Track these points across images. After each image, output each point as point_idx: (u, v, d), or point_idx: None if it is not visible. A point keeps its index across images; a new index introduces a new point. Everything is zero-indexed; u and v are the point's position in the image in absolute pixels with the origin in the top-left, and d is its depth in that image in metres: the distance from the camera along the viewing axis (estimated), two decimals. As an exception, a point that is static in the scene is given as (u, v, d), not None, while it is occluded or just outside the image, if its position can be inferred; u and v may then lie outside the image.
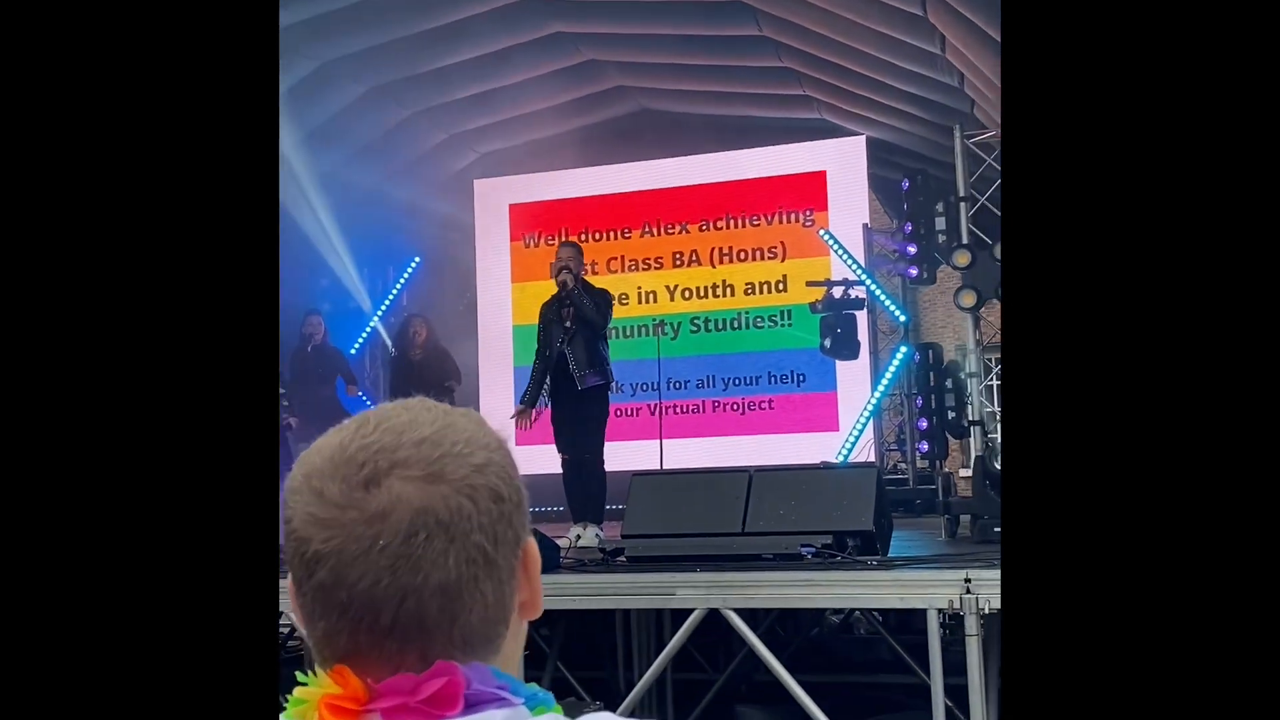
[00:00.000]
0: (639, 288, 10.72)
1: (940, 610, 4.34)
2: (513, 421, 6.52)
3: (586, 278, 6.94)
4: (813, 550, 4.84)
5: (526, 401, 6.72)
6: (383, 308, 11.07)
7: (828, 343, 9.36)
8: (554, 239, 10.88)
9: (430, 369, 9.16)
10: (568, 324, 6.67)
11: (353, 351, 10.77)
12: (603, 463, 6.65)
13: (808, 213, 10.38)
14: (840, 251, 9.93)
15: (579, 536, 6.32)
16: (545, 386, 6.66)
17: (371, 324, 11.02)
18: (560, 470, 6.70)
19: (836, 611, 7.05)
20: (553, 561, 5.05)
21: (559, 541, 5.50)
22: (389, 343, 10.56)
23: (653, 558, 5.07)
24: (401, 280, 11.21)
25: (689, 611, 4.65)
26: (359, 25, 8.32)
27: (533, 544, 0.94)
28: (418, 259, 11.22)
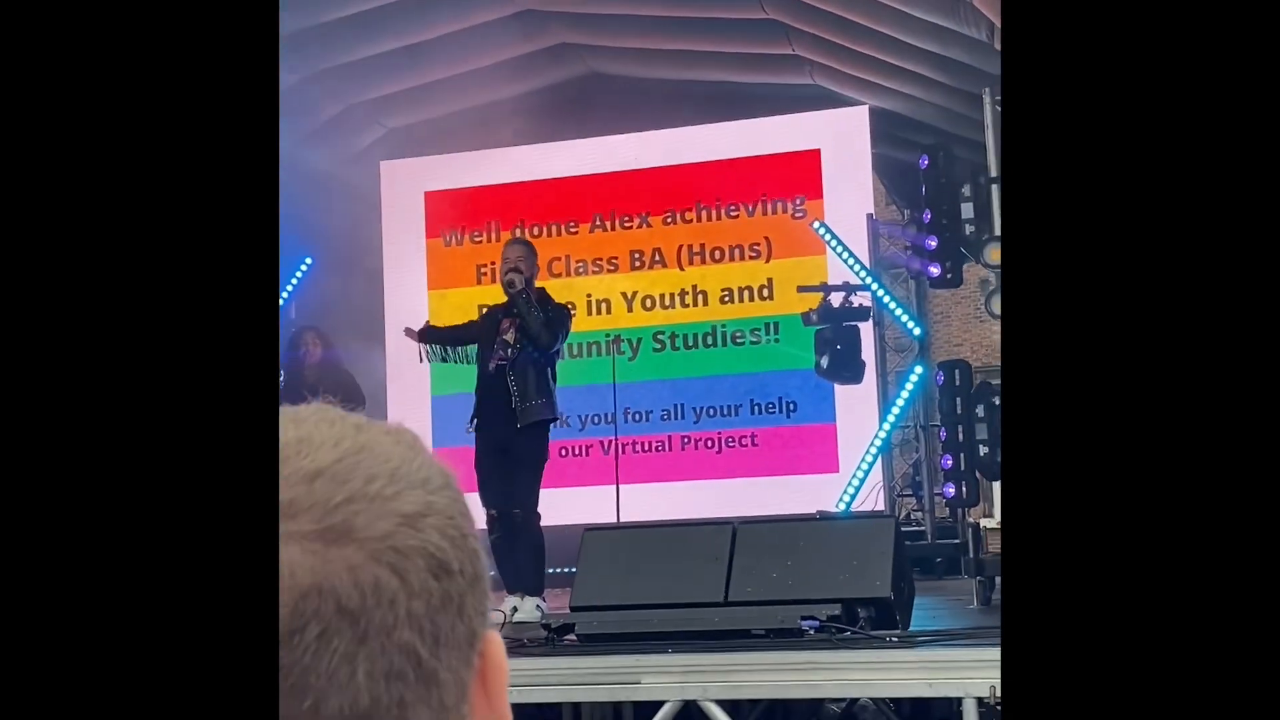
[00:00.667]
0: (589, 295, 10.72)
1: (980, 699, 4.35)
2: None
3: (543, 285, 7.01)
4: (816, 624, 4.87)
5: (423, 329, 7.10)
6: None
7: (824, 362, 9.34)
8: (480, 235, 10.90)
9: (325, 392, 9.11)
10: (507, 337, 6.58)
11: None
12: (538, 517, 6.65)
13: (798, 201, 10.42)
14: (839, 249, 9.95)
15: (515, 610, 6.24)
16: (451, 358, 7.08)
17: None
18: (486, 528, 6.62)
19: (836, 699, 7.00)
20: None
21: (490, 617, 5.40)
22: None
23: (611, 635, 5.09)
24: (289, 286, 11.07)
25: (658, 704, 4.64)
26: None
27: (496, 641, 0.77)
28: (309, 260, 11.12)
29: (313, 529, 0.69)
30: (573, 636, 5.18)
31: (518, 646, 5.16)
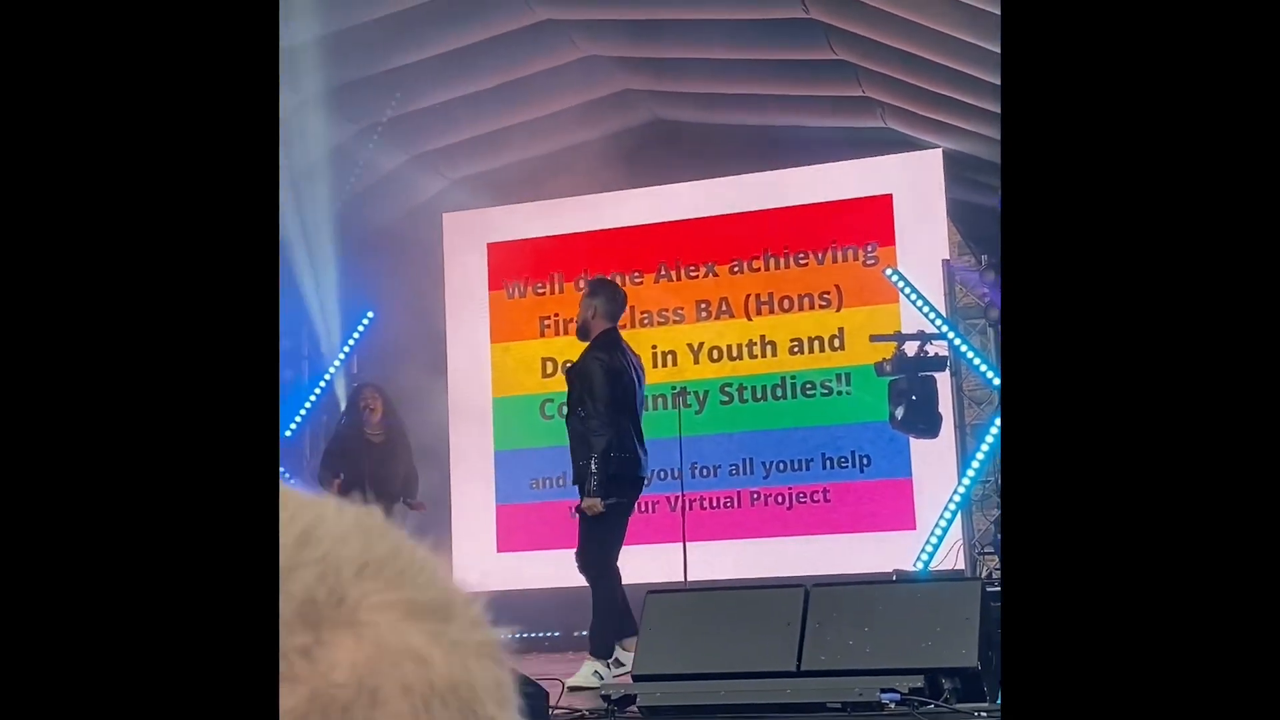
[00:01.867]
0: (654, 347, 10.59)
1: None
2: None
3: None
4: (897, 697, 4.75)
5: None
6: (327, 375, 10.85)
7: (900, 414, 9.19)
8: (544, 286, 10.90)
9: (392, 460, 9.05)
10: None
11: (288, 433, 10.53)
12: (614, 575, 6.78)
13: (870, 248, 10.29)
14: (913, 296, 9.82)
15: (601, 678, 6.16)
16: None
17: (313, 396, 10.77)
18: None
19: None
20: (539, 714, 4.97)
21: (547, 685, 5.40)
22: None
23: (675, 709, 5.01)
24: (351, 340, 11.02)
25: (726, 786, 4.56)
26: (290, 12, 8.10)
27: None
28: (370, 314, 11.05)
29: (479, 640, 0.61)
30: (634, 709, 5.05)
31: (576, 719, 5.00)
